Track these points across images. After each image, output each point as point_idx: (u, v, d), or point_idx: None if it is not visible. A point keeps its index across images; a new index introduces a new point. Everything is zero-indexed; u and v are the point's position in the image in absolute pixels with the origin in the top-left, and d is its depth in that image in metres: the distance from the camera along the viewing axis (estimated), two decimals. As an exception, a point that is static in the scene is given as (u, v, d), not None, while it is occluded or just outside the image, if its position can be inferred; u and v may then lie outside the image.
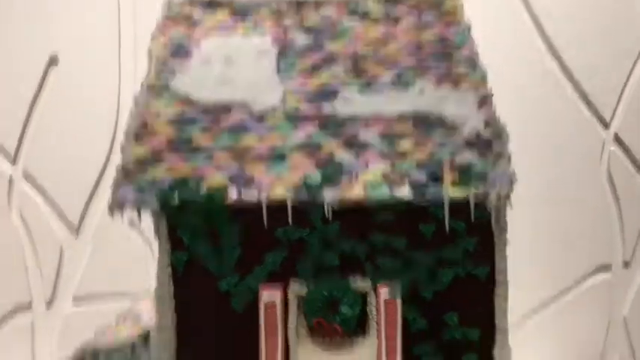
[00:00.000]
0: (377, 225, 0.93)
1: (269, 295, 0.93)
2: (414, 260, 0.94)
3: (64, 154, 1.74)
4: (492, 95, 1.03)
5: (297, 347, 0.95)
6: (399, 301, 0.93)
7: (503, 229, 0.94)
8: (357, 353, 0.96)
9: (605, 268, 2.01)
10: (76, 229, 1.78)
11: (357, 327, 0.95)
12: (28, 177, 1.75)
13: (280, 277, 0.94)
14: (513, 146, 0.96)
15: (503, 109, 1.01)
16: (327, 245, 0.94)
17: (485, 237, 0.94)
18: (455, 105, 1.02)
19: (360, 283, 0.94)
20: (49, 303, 1.76)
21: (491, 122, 0.99)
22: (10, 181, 1.75)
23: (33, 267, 1.76)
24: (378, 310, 0.93)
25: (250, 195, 0.92)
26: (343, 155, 0.95)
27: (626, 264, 2.05)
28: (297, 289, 0.94)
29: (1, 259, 1.75)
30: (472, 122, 0.99)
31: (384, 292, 0.93)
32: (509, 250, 1.04)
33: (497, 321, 0.95)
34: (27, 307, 1.76)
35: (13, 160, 1.74)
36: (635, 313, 2.09)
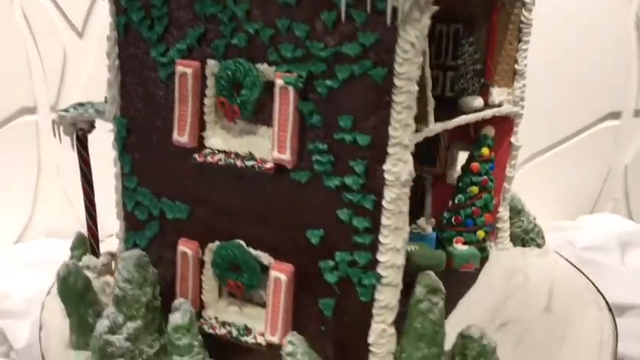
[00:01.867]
0: (281, 9, 0.90)
1: (183, 68, 0.98)
2: (314, 51, 0.89)
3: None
4: None
5: (212, 123, 1.00)
6: (292, 90, 0.91)
7: (410, 27, 0.83)
8: (255, 141, 0.98)
9: (616, 115, 1.99)
10: (80, 32, 1.81)
11: (255, 112, 0.96)
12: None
13: (199, 55, 0.98)
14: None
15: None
16: (236, 26, 0.94)
17: (387, 35, 0.84)
18: None
19: (263, 68, 0.93)
20: (53, 107, 1.87)
21: None
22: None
23: (37, 69, 1.81)
24: (272, 97, 0.92)
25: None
26: None
27: (637, 112, 1.98)
28: (212, 66, 0.97)
29: (5, 60, 1.81)
30: None
31: (280, 80, 0.91)
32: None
33: (391, 131, 0.87)
34: (32, 111, 1.86)
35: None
36: (637, 163, 2.05)
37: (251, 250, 1.02)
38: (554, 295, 1.38)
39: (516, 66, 1.49)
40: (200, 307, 1.09)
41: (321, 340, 1.00)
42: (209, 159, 0.99)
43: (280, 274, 0.98)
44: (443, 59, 1.47)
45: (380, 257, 0.92)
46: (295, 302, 1.00)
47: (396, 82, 0.85)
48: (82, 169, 1.23)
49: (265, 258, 1.01)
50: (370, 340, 0.95)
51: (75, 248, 1.32)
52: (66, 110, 1.18)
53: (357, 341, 0.96)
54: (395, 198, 0.90)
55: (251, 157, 0.97)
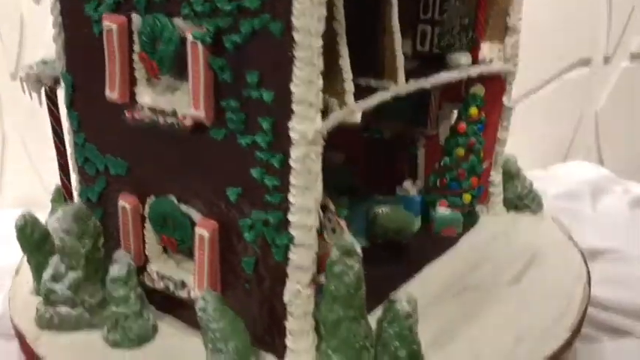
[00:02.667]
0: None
1: (109, 23, 0.98)
2: (220, 4, 0.87)
3: None
4: None
5: (142, 79, 1.01)
6: (201, 46, 0.89)
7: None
8: (178, 98, 0.97)
9: (586, 62, 1.99)
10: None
11: (178, 68, 0.95)
12: None
13: (125, 10, 0.98)
14: None
15: None
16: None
17: (283, -13, 0.81)
18: None
19: (179, 23, 0.92)
20: (14, 75, 1.85)
21: None
22: None
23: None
24: (184, 53, 0.91)
25: None
26: None
27: (607, 59, 1.99)
28: (136, 21, 0.97)
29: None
30: None
31: (190, 35, 0.90)
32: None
33: (293, 88, 0.84)
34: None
35: None
36: (607, 110, 2.06)
37: (182, 206, 1.03)
38: (532, 264, 1.31)
39: (508, 20, 1.40)
40: (145, 260, 1.11)
41: (246, 298, 1.00)
42: (137, 115, 1.00)
43: (203, 230, 0.99)
44: (430, 14, 1.40)
45: (290, 217, 0.90)
46: (222, 259, 1.01)
47: (295, 36, 0.82)
48: (52, 126, 1.27)
49: (194, 214, 1.02)
50: (285, 299, 0.95)
51: (54, 200, 1.38)
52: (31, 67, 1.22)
53: (277, 300, 0.96)
54: (302, 157, 0.87)
55: (174, 113, 0.97)
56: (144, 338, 1.06)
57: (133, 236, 1.09)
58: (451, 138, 1.46)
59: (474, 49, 1.40)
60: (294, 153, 0.87)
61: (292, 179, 0.88)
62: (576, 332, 1.12)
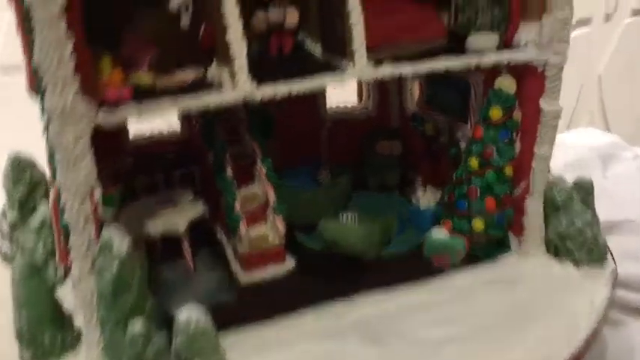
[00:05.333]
0: None
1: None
2: None
3: None
4: None
5: None
6: None
7: None
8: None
9: (586, 22, 1.90)
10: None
11: None
12: None
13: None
14: None
15: None
16: None
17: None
18: None
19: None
20: None
21: None
22: None
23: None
24: None
25: None
26: None
27: (608, 17, 1.93)
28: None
29: None
30: None
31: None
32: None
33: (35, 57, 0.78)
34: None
35: None
36: (610, 72, 2.00)
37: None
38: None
39: (547, -11, 1.00)
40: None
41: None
42: None
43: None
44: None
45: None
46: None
47: (29, -1, 0.75)
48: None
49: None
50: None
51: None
52: None
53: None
54: (57, 132, 0.81)
55: None
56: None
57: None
58: (469, 144, 1.14)
59: (505, 29, 1.06)
60: (52, 128, 0.81)
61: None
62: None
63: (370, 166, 1.42)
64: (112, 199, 0.96)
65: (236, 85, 0.92)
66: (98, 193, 0.85)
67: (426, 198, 1.23)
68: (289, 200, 1.20)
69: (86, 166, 0.82)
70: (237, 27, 0.91)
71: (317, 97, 1.39)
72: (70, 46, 0.77)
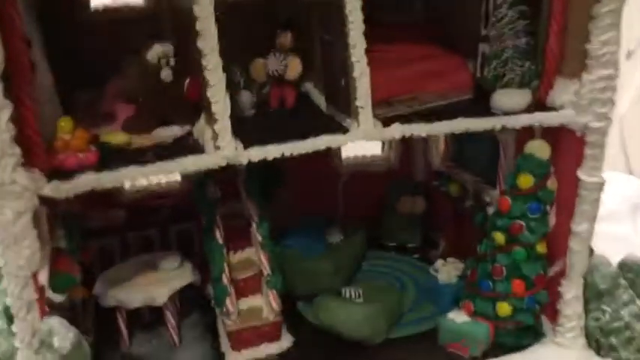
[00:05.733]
0: None
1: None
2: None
3: None
4: None
5: None
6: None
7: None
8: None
9: None
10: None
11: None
12: None
13: None
14: None
15: None
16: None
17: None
18: None
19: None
20: None
21: None
22: None
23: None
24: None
25: None
26: None
27: (630, 53, 1.83)
28: None
29: None
30: None
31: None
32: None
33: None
34: None
35: None
36: (632, 111, 1.88)
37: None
38: None
39: (588, 45, 0.84)
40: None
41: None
42: None
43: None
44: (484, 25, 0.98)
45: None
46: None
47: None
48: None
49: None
50: None
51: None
52: None
53: None
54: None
55: None
56: None
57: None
58: (493, 216, 0.98)
59: (539, 86, 0.91)
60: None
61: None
62: None
63: (388, 224, 1.28)
64: (67, 281, 0.84)
65: (218, 148, 0.81)
66: (44, 276, 0.74)
67: (447, 270, 1.07)
68: (291, 265, 1.07)
69: (29, 247, 0.71)
70: (220, 85, 0.79)
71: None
72: (7, 112, 0.66)
